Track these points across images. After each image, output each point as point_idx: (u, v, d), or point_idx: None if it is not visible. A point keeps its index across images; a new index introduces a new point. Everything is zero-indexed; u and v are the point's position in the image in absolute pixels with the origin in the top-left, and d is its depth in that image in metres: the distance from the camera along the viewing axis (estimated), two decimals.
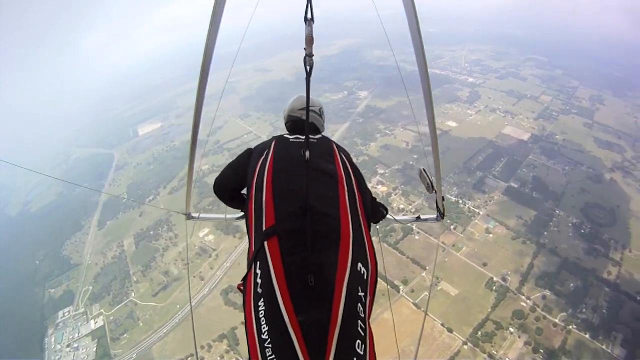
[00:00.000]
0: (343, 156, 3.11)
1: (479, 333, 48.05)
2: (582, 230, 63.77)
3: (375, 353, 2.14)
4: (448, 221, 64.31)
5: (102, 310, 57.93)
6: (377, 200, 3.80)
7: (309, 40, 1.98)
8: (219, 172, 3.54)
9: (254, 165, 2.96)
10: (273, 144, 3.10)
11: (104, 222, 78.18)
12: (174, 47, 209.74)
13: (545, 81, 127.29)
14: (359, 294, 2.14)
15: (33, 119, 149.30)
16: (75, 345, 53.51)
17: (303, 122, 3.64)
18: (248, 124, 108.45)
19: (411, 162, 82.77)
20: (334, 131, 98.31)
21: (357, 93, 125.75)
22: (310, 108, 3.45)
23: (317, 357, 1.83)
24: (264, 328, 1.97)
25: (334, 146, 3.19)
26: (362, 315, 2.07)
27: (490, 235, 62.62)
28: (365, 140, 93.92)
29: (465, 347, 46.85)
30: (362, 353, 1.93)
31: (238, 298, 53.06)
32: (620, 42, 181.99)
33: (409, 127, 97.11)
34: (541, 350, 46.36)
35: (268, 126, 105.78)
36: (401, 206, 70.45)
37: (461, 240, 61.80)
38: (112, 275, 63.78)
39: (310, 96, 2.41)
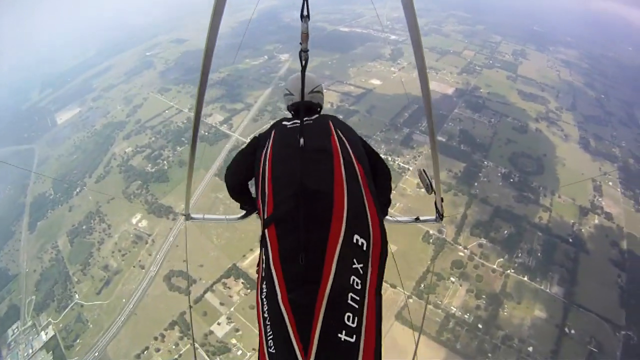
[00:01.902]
0: (339, 131, 3.08)
1: (422, 285, 50.31)
2: (512, 179, 67.36)
3: (378, 325, 2.15)
4: None
5: (50, 319, 54.44)
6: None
7: (305, 36, 2.13)
8: (227, 166, 3.55)
9: (259, 156, 3.03)
10: (272, 133, 3.15)
11: (34, 224, 72.30)
12: (86, 26, 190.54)
13: (467, 37, 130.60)
14: (354, 266, 2.18)
15: None
16: None
17: (306, 105, 3.86)
18: (169, 98, 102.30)
19: None
20: (257, 97, 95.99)
21: (278, 56, 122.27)
22: (316, 89, 4.00)
23: (305, 332, 1.93)
24: (265, 307, 2.15)
25: (330, 122, 3.17)
26: (358, 288, 2.11)
27: (422, 189, 61.98)
28: None
29: (410, 300, 49.08)
30: (354, 325, 1.98)
31: (182, 282, 53.34)
32: None
33: (332, 87, 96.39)
34: (483, 296, 49.56)
35: (189, 98, 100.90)
36: None
37: (393, 197, 61.59)
38: (53, 280, 59.69)
39: (308, 72, 2.69)
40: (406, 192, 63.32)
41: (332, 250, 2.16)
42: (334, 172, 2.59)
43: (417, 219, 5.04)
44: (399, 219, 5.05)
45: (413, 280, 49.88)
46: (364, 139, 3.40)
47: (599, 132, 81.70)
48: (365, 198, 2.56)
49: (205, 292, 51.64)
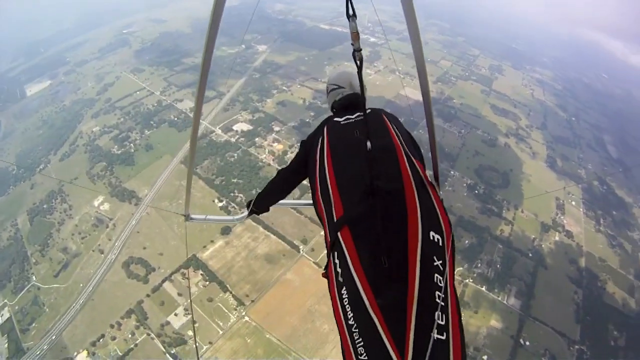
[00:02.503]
0: (394, 125, 3.12)
1: None
2: (477, 191, 68.64)
3: (459, 314, 2.16)
4: None
5: (5, 300, 52.90)
6: None
7: (355, 35, 2.04)
8: (270, 180, 3.71)
9: (313, 156, 3.02)
10: (325, 130, 3.13)
11: None
12: None
13: (446, 47, 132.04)
14: (435, 263, 2.16)
15: None
16: None
17: (351, 101, 3.68)
18: (141, 79, 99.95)
19: (308, 120, 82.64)
20: (230, 86, 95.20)
21: (256, 47, 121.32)
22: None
23: (399, 335, 1.87)
24: (349, 314, 2.05)
25: (384, 117, 3.19)
26: (441, 285, 2.09)
27: None
28: (262, 96, 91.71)
29: None
30: (443, 323, 1.97)
31: (140, 270, 53.05)
32: (524, 18, 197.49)
33: (307, 83, 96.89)
34: None
35: (162, 81, 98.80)
36: None
37: None
38: (10, 259, 57.88)
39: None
40: None
41: (414, 251, 2.15)
42: (401, 170, 2.60)
43: None
44: None
45: None
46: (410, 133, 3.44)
47: (566, 152, 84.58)
48: (431, 192, 2.60)
49: (163, 281, 51.33)
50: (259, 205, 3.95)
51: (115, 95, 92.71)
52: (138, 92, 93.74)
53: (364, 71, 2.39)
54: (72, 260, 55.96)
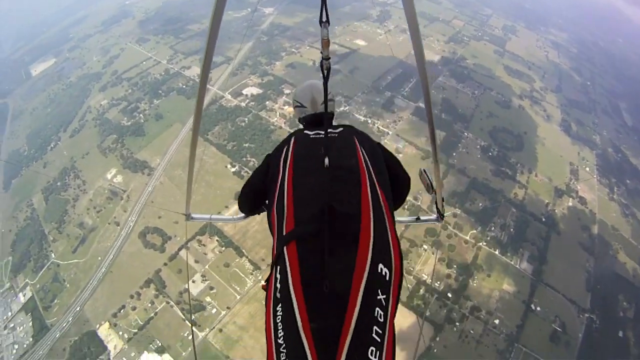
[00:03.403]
0: (364, 148, 2.92)
1: None
2: (490, 153, 67.64)
3: (394, 354, 2.04)
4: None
5: (27, 280, 54.10)
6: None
7: (325, 42, 1.96)
8: (242, 186, 3.44)
9: (276, 166, 2.88)
10: (292, 141, 3.01)
11: (8, 183, 70.75)
12: None
13: (458, 6, 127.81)
14: (379, 297, 2.04)
15: None
16: (12, 325, 50.33)
17: (320, 117, 3.57)
18: (147, 49, 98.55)
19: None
20: (237, 51, 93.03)
21: (262, 10, 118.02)
22: (329, 99, 3.14)
23: None
24: (280, 333, 1.97)
25: (355, 138, 3.00)
26: (381, 320, 1.97)
27: (400, 155, 63.41)
28: (270, 59, 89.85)
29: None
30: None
31: (157, 239, 53.17)
32: None
33: (316, 45, 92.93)
34: (455, 266, 50.64)
35: (168, 49, 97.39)
36: None
37: None
38: (29, 240, 58.83)
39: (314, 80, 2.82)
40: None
41: (359, 280, 2.02)
42: (361, 195, 2.46)
43: (417, 219, 4.90)
44: (398, 219, 4.69)
45: None
46: (385, 148, 3.29)
47: (581, 117, 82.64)
48: (387, 224, 2.45)
49: (179, 249, 51.77)
50: (244, 212, 3.85)
51: (121, 67, 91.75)
52: (144, 62, 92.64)
53: (330, 80, 2.17)
54: (89, 234, 56.61)
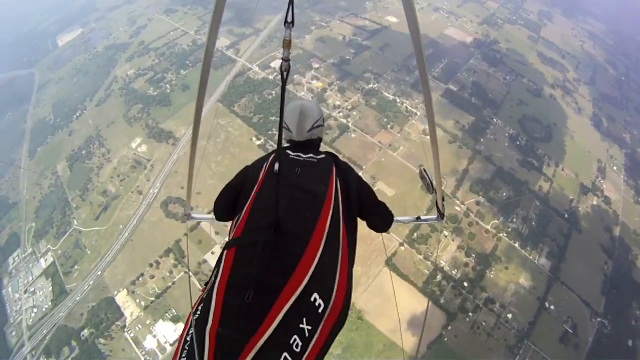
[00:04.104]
0: (341, 179, 2.88)
1: (415, 235, 50.59)
2: (518, 142, 66.07)
3: None
4: (385, 120, 65.40)
5: (49, 245, 55.69)
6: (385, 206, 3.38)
7: (287, 43, 1.93)
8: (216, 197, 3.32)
9: (250, 179, 2.90)
10: (271, 157, 2.98)
11: (34, 151, 72.36)
12: None
13: None
14: (301, 326, 1.97)
15: None
16: (32, 289, 52.13)
17: (307, 141, 3.45)
18: (174, 19, 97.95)
19: (348, 57, 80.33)
20: (267, 23, 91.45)
21: None
22: (316, 124, 3.47)
23: None
24: (190, 330, 1.96)
25: (334, 168, 2.93)
26: (297, 350, 1.88)
27: (427, 136, 61.30)
28: (300, 32, 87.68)
29: (402, 247, 49.55)
30: None
31: (179, 209, 53.29)
32: None
33: (346, 19, 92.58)
34: (473, 255, 50.11)
35: (196, 20, 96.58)
36: (337, 102, 69.32)
37: (397, 140, 62.16)
38: (52, 206, 60.38)
39: (303, 100, 2.86)
40: (410, 137, 62.37)
41: (285, 299, 1.96)
42: (317, 223, 2.39)
43: (417, 218, 4.85)
44: (398, 218, 4.65)
45: (407, 227, 50.03)
46: (364, 182, 3.16)
47: (613, 113, 79.46)
48: (339, 262, 2.37)
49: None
50: (218, 212, 3.55)
51: (148, 38, 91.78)
52: (172, 33, 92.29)
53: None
54: (112, 202, 57.54)
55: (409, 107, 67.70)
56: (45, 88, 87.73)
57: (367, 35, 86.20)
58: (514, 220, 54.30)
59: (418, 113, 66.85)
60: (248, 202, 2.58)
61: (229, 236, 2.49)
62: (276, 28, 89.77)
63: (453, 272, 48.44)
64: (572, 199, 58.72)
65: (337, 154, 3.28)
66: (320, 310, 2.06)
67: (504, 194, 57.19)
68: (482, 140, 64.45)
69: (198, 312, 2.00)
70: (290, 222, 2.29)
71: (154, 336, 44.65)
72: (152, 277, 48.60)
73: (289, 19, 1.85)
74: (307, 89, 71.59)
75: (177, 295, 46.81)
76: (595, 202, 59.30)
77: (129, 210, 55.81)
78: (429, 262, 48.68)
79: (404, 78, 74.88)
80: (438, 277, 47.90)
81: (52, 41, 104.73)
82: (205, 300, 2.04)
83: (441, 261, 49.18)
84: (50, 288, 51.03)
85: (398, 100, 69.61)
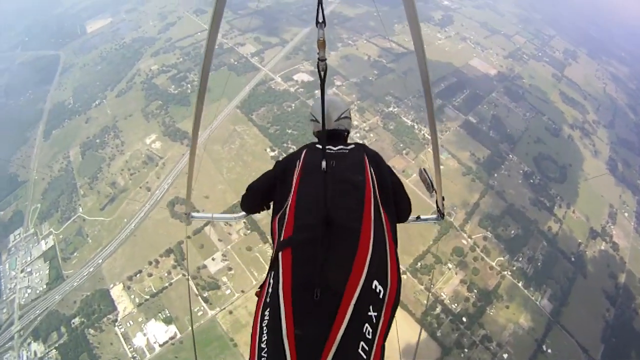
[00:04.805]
0: (374, 167, 2.95)
1: (419, 264, 50.05)
2: (532, 180, 65.29)
3: None
4: (401, 145, 65.07)
5: (51, 229, 55.99)
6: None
7: (322, 43, 2.00)
8: (248, 186, 3.44)
9: (283, 175, 2.95)
10: (304, 153, 3.05)
11: (49, 132, 73.30)
12: None
13: (522, 21, 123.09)
14: (369, 313, 2.02)
15: None
16: (29, 269, 52.46)
17: (335, 132, 3.59)
18: (203, 20, 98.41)
19: (371, 78, 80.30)
20: (294, 34, 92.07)
21: None
22: (343, 115, 3.62)
23: None
24: (264, 337, 1.94)
25: (365, 156, 3.02)
26: (369, 337, 1.94)
27: (442, 167, 60.11)
28: (326, 47, 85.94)
29: (404, 276, 48.31)
30: None
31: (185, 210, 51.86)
32: (608, 4, 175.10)
33: (373, 40, 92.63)
34: (475, 290, 49.24)
35: (224, 24, 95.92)
36: (355, 122, 69.08)
37: (411, 167, 61.45)
38: (60, 190, 60.86)
39: (330, 94, 2.70)
40: (424, 165, 61.25)
41: (351, 293, 1.97)
42: (363, 211, 2.43)
43: (417, 218, 4.74)
44: None
45: (411, 256, 49.57)
46: (393, 172, 3.22)
47: (629, 158, 78.28)
48: (388, 244, 2.41)
49: (205, 224, 51.46)
50: (244, 210, 3.77)
51: (176, 35, 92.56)
52: (199, 34, 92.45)
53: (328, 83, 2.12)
54: (119, 195, 57.66)
55: (426, 135, 67.11)
56: (69, 72, 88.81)
57: (393, 58, 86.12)
58: (520, 259, 53.49)
59: None
60: (289, 201, 2.57)
61: (277, 237, 2.48)
62: (302, 41, 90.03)
63: (453, 305, 47.58)
64: (580, 242, 57.72)
65: (365, 144, 3.25)
66: (381, 296, 2.10)
67: (512, 231, 56.40)
68: (495, 175, 63.95)
69: (266, 318, 1.98)
70: (339, 215, 2.29)
71: (144, 334, 44.20)
72: (150, 275, 48.37)
73: (320, 19, 1.88)
74: None
75: (172, 297, 46.38)
76: (603, 247, 58.28)
77: (135, 205, 55.78)
78: (430, 294, 48.04)
79: (424, 105, 73.31)
80: (437, 309, 47.00)
81: (81, 26, 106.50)
82: (271, 305, 2.01)
83: (442, 294, 48.31)
84: (47, 271, 51.12)
85: (416, 126, 69.34)
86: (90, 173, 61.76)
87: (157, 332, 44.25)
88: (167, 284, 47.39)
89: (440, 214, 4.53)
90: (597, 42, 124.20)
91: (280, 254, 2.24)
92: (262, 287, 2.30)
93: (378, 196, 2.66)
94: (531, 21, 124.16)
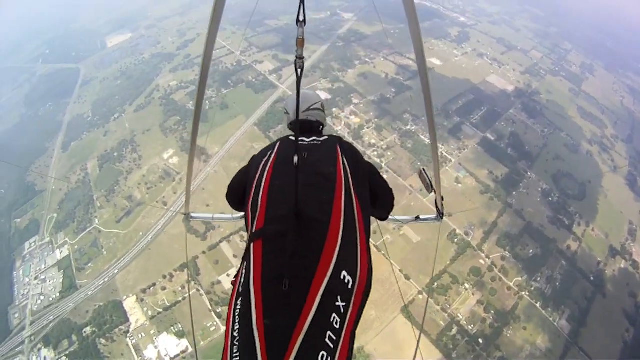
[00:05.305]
0: (347, 157, 2.97)
1: (436, 284, 49.38)
2: (550, 198, 64.14)
3: None
4: (418, 163, 64.00)
5: (67, 239, 56.56)
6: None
7: (300, 42, 2.02)
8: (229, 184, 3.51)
9: (257, 166, 2.95)
10: (277, 145, 3.11)
11: (68, 144, 74.51)
12: None
13: (538, 36, 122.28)
14: (337, 304, 2.07)
15: None
16: (43, 277, 52.88)
17: (306, 124, 3.67)
18: (222, 38, 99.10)
19: (388, 96, 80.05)
20: (312, 52, 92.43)
21: (341, 14, 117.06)
22: (313, 107, 3.71)
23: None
24: (236, 326, 2.01)
25: (338, 148, 3.04)
26: (337, 327, 1.99)
27: (460, 185, 62.32)
28: (343, 66, 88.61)
29: (420, 296, 48.04)
30: None
31: (201, 226, 53.22)
32: (620, 14, 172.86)
33: (391, 57, 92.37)
34: (492, 311, 48.11)
35: (243, 42, 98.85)
36: (373, 141, 68.93)
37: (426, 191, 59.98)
38: (77, 201, 61.55)
39: (305, 89, 2.74)
40: (442, 184, 60.11)
41: (319, 283, 2.03)
42: (333, 203, 2.46)
43: (417, 218, 5.01)
44: (398, 218, 4.90)
45: (428, 276, 48.92)
46: (370, 163, 3.24)
47: None
48: (359, 236, 2.44)
49: (221, 241, 51.90)
50: (234, 207, 3.74)
51: (195, 52, 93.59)
52: (218, 51, 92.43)
53: (303, 79, 2.08)
54: (135, 208, 58.11)
55: (444, 153, 66.69)
56: (89, 85, 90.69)
57: (410, 76, 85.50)
58: (538, 279, 52.12)
59: (452, 160, 66.12)
60: (262, 193, 2.60)
61: (250, 228, 2.51)
62: (320, 59, 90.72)
63: (469, 327, 46.45)
64: (599, 260, 56.07)
65: (341, 136, 3.29)
66: (350, 287, 2.13)
67: (531, 251, 55.17)
68: (514, 193, 62.94)
69: (238, 307, 2.04)
70: (309, 207, 2.32)
71: (156, 347, 44.10)
72: (164, 289, 48.41)
73: (301, 18, 1.89)
74: (345, 124, 71.61)
75: (185, 311, 46.28)
76: (622, 266, 56.44)
77: (151, 219, 56.16)
78: (446, 314, 46.91)
79: (442, 123, 74.09)
80: (454, 330, 45.99)
81: (102, 41, 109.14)
82: (242, 295, 2.07)
83: (458, 314, 47.33)
84: (61, 280, 51.59)
85: None
86: (107, 186, 62.40)
87: (169, 345, 44.07)
88: (180, 299, 47.27)
89: (440, 214, 4.65)
90: (613, 54, 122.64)
91: (252, 245, 2.29)
92: (236, 276, 2.35)
93: (352, 188, 2.69)
94: (547, 35, 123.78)
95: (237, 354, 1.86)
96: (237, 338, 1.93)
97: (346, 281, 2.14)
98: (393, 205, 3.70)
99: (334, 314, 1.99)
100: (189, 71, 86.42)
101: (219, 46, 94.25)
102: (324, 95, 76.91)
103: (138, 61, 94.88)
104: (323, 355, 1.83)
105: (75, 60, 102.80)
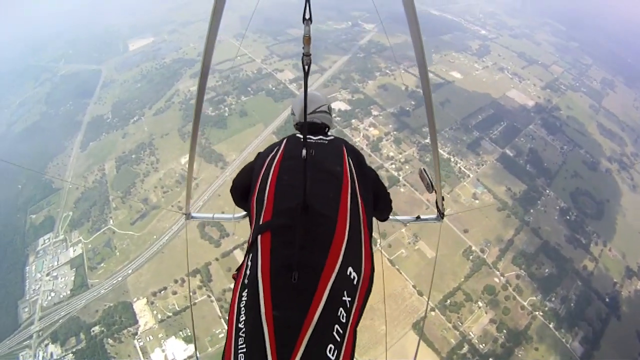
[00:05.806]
0: (352, 159, 3.02)
1: (448, 301, 48.50)
2: (568, 217, 63.01)
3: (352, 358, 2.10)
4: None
5: (81, 237, 57.25)
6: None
7: (307, 40, 2.03)
8: (233, 178, 3.51)
9: (262, 162, 2.98)
10: (284, 142, 3.15)
11: (86, 144, 75.81)
12: None
13: (559, 51, 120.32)
14: (344, 298, 2.11)
15: (14, 35, 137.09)
16: (55, 274, 53.49)
17: (312, 126, 3.66)
18: (243, 45, 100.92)
19: (408, 108, 79.17)
20: (333, 62, 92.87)
21: (362, 25, 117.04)
22: (319, 109, 3.72)
23: (285, 354, 1.82)
24: (242, 317, 2.00)
25: (344, 148, 3.10)
26: (343, 321, 2.04)
27: (477, 201, 61.55)
28: (364, 76, 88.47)
29: (432, 313, 47.25)
30: (333, 358, 1.91)
31: (215, 232, 53.47)
32: None
33: (411, 69, 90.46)
34: (504, 330, 47.23)
35: (264, 50, 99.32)
36: (391, 154, 68.60)
37: (446, 201, 58.92)
38: (92, 201, 62.38)
39: (311, 89, 2.75)
40: (459, 199, 60.91)
41: (327, 277, 2.05)
42: (340, 200, 2.52)
43: (417, 218, 5.09)
44: (399, 218, 5.01)
45: (441, 293, 48.32)
46: (371, 167, 3.27)
47: None
48: (363, 234, 2.49)
49: (234, 248, 51.88)
50: (238, 205, 3.72)
51: (215, 58, 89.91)
52: (239, 58, 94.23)
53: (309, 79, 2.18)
54: (151, 211, 58.50)
55: (462, 168, 66.30)
56: (109, 87, 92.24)
57: (431, 89, 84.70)
58: (553, 299, 51.12)
59: (471, 175, 65.62)
60: (269, 187, 2.60)
61: (255, 221, 2.49)
62: (340, 69, 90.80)
63: (481, 346, 45.59)
64: (615, 282, 54.91)
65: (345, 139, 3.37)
66: (355, 283, 2.19)
67: (546, 270, 54.21)
68: (531, 211, 61.82)
69: (244, 299, 2.02)
70: (317, 202, 2.34)
71: (163, 351, 44.19)
72: (175, 293, 48.52)
73: (307, 16, 1.88)
74: (363, 136, 71.41)
75: (195, 316, 46.28)
76: (639, 287, 55.21)
77: (166, 223, 56.50)
78: (457, 332, 46.16)
79: (461, 137, 73.76)
80: (464, 348, 45.16)
81: (124, 44, 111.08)
82: (249, 286, 2.05)
83: (470, 333, 46.53)
84: (73, 278, 52.13)
85: (452, 159, 68.36)
86: (123, 187, 63.17)
87: (177, 350, 44.10)
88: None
89: (440, 214, 4.75)
90: (634, 69, 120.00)
91: (259, 237, 2.28)
92: (239, 269, 2.35)
93: (357, 188, 2.73)
94: (568, 50, 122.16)
95: (243, 346, 1.86)
96: (243, 329, 1.92)
97: (352, 277, 2.18)
98: (392, 208, 3.80)
99: (340, 308, 2.02)
100: (210, 77, 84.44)
101: (240, 53, 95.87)
102: (343, 107, 77.44)
103: (159, 65, 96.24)
104: (331, 348, 1.86)
105: (97, 62, 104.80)
